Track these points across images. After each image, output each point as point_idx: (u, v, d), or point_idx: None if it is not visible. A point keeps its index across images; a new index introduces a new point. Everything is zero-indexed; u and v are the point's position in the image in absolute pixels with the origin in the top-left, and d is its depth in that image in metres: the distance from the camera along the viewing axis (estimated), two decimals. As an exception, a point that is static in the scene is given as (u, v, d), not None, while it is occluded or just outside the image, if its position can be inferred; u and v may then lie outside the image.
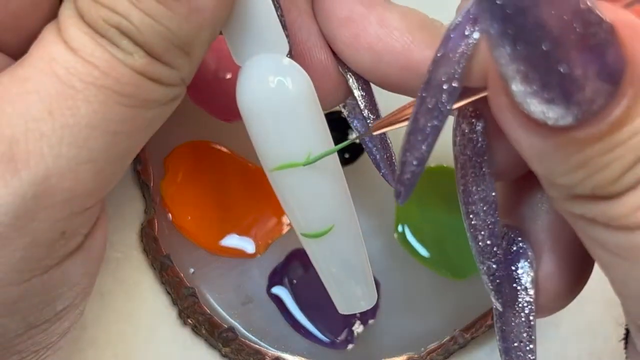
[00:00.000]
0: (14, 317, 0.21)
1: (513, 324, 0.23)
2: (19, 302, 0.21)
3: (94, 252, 0.23)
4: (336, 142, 0.23)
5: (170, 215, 0.32)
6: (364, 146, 0.26)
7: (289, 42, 0.22)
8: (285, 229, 0.32)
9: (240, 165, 0.32)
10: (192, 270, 0.31)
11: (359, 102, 0.24)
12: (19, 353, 0.22)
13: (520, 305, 0.22)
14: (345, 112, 0.26)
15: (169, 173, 0.32)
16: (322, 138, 0.22)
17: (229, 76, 0.32)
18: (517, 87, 0.17)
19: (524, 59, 0.17)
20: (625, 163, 0.17)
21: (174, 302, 0.32)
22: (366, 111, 0.25)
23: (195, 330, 0.31)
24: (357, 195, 0.32)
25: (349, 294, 0.25)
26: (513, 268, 0.22)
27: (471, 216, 0.22)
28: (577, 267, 0.23)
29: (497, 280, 0.22)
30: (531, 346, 0.22)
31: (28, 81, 0.19)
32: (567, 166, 0.18)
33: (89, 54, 0.19)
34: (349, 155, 0.33)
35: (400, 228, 0.32)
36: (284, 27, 0.22)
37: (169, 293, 0.32)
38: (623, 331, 0.32)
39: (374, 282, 0.25)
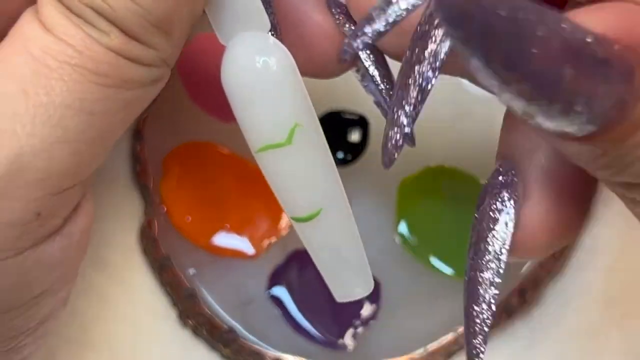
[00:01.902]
0: None
1: (482, 258, 0.22)
2: None
3: (75, 237, 0.22)
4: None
5: (169, 216, 0.32)
6: (379, 109, 0.25)
7: (271, 20, 0.22)
8: (286, 230, 0.32)
9: (239, 166, 0.32)
10: (192, 271, 0.31)
11: (364, 62, 0.24)
12: None
13: (494, 237, 0.22)
14: (358, 77, 0.25)
15: (168, 174, 0.32)
16: (306, 117, 0.22)
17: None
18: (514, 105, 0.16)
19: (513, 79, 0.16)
20: None
21: (174, 303, 0.32)
22: (372, 69, 0.24)
23: (196, 331, 0.31)
24: (357, 195, 0.32)
25: (344, 280, 0.24)
26: (494, 200, 0.21)
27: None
28: (568, 212, 0.22)
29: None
30: (497, 280, 0.21)
31: (2, 62, 0.19)
32: (598, 164, 0.18)
33: (63, 32, 0.19)
34: (351, 156, 0.33)
35: (400, 228, 0.32)
36: (268, 4, 0.22)
37: (168, 294, 0.32)
38: (624, 331, 0.32)
39: (369, 268, 0.25)
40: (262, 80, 0.21)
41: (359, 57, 0.24)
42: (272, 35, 0.22)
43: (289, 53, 0.22)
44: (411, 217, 0.32)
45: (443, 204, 0.32)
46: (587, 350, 0.32)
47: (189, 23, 0.21)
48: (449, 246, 0.32)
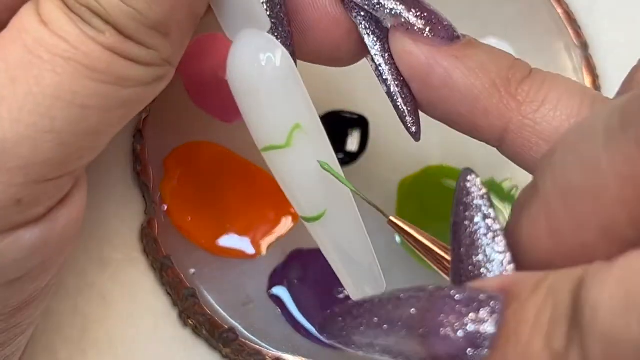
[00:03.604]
0: None
1: None
2: None
3: (58, 227, 0.22)
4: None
5: (170, 216, 0.32)
6: (390, 99, 0.25)
7: (281, 12, 0.22)
8: (286, 230, 0.32)
9: (240, 166, 0.32)
10: (192, 271, 0.31)
11: (370, 49, 0.24)
12: None
13: None
14: (373, 67, 0.25)
15: (168, 174, 0.32)
16: (306, 117, 0.22)
17: (228, 77, 0.32)
18: None
19: None
20: None
21: (175, 303, 0.32)
22: (379, 58, 0.24)
23: (196, 331, 0.31)
24: (357, 195, 0.32)
25: (355, 279, 0.24)
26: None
27: None
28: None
29: None
30: None
31: None
32: None
33: (59, 27, 0.20)
34: (349, 157, 0.33)
35: (400, 228, 0.32)
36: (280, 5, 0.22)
37: (169, 294, 0.32)
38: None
39: (378, 268, 0.25)
40: (263, 76, 0.22)
41: (368, 51, 0.24)
42: (271, 33, 0.22)
43: (287, 53, 0.22)
44: (411, 217, 0.32)
45: (443, 203, 0.32)
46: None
47: (189, 23, 0.21)
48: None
